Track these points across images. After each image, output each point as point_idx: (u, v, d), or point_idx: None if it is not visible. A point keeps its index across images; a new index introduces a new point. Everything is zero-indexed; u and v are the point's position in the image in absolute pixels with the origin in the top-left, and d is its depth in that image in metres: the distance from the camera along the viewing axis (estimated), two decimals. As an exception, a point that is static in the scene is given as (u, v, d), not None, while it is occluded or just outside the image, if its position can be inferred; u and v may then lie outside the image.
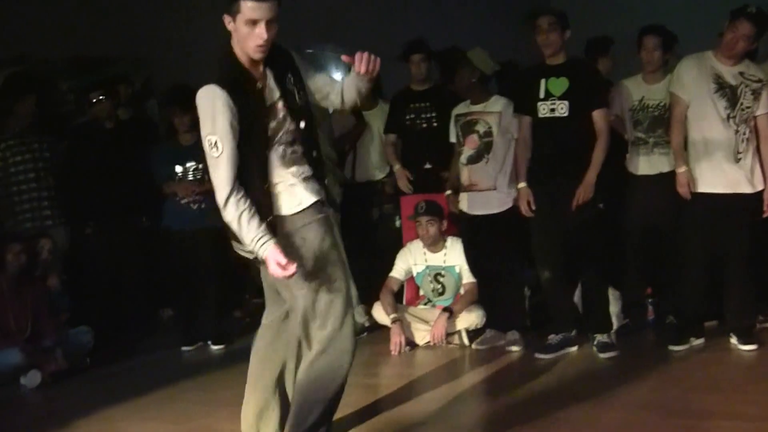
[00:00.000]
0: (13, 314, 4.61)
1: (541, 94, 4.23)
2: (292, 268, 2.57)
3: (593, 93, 4.23)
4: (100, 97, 5.23)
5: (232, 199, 2.62)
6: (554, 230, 4.29)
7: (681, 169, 4.18)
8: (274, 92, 2.71)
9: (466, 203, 4.69)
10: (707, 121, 4.12)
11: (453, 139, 4.77)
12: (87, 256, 5.40)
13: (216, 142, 2.62)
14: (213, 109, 2.61)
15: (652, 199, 4.46)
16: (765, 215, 4.12)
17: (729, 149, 4.10)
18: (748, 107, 4.10)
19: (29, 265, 4.73)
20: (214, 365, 4.74)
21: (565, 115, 4.19)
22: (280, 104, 2.72)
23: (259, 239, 2.61)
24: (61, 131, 5.52)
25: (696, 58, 4.22)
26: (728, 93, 4.10)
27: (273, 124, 2.70)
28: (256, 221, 2.63)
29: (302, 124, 2.73)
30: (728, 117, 4.10)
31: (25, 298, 4.67)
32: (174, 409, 3.83)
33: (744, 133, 4.11)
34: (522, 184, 4.38)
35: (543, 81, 4.24)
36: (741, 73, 4.12)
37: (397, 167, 5.13)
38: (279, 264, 2.57)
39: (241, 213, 2.62)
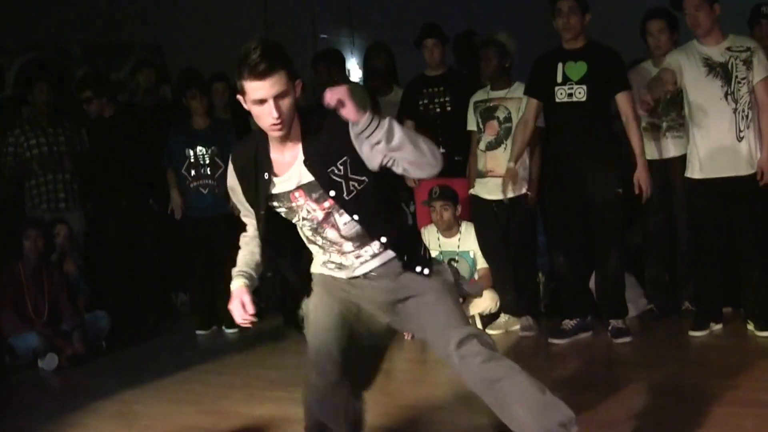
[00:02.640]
0: (30, 299, 4.68)
1: (559, 79, 4.21)
2: (247, 316, 2.47)
3: (614, 77, 4.19)
4: (90, 99, 5.26)
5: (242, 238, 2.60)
6: (572, 215, 4.28)
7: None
8: (296, 178, 2.37)
9: (482, 189, 4.69)
10: (706, 105, 4.09)
11: (472, 126, 4.75)
12: (102, 240, 5.44)
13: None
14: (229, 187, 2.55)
15: (667, 184, 4.44)
16: (762, 183, 4.07)
17: (730, 129, 4.06)
18: (743, 78, 4.06)
19: (46, 250, 4.78)
20: (229, 349, 4.78)
21: (583, 99, 4.17)
22: (297, 193, 2.38)
23: (235, 274, 2.56)
24: (80, 118, 5.56)
25: (681, 49, 4.23)
26: (720, 72, 4.07)
27: (284, 210, 2.44)
28: (244, 258, 2.58)
29: (342, 222, 2.37)
30: (726, 95, 4.07)
31: (42, 283, 4.73)
32: (190, 392, 3.88)
33: (743, 111, 4.07)
34: (510, 164, 4.36)
35: (560, 65, 4.21)
36: (728, 48, 4.09)
37: None
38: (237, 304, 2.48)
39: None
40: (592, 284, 4.54)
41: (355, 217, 2.36)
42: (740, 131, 4.07)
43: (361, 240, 2.42)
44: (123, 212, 5.32)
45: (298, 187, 2.36)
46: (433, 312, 2.43)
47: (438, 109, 4.99)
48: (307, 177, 2.34)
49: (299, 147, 2.35)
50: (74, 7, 5.98)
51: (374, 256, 2.45)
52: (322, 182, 2.33)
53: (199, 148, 5.05)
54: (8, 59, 5.80)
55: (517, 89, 4.59)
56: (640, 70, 4.65)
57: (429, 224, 4.90)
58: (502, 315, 4.68)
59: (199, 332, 5.13)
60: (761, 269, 4.14)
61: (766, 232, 4.16)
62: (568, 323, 4.33)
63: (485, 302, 4.69)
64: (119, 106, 5.43)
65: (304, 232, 2.47)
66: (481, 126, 4.68)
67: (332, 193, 2.33)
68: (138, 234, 5.39)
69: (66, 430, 3.43)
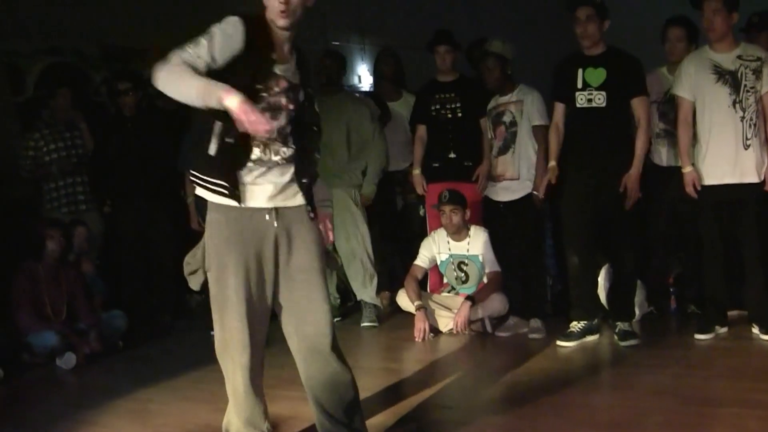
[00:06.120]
0: (49, 298, 4.74)
1: (579, 84, 4.26)
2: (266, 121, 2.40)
3: (632, 82, 4.25)
4: (129, 90, 5.35)
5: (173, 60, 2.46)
6: (586, 218, 4.32)
7: (687, 169, 4.23)
8: (288, 72, 2.57)
9: (491, 191, 4.79)
10: (714, 112, 4.14)
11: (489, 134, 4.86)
12: (119, 240, 5.52)
13: (201, 39, 2.50)
14: (219, 28, 2.50)
15: (676, 190, 4.49)
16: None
17: (737, 136, 4.11)
18: (752, 87, 4.11)
19: (65, 250, 4.86)
20: (243, 349, 4.82)
21: (603, 105, 4.22)
22: (283, 82, 2.57)
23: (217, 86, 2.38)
24: (98, 121, 5.64)
25: (694, 55, 4.29)
26: (729, 79, 4.12)
27: (259, 86, 2.53)
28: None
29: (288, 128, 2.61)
30: (734, 103, 4.12)
31: (60, 282, 4.80)
32: (205, 390, 3.89)
33: (751, 119, 4.12)
34: (552, 163, 4.42)
35: (580, 71, 4.26)
36: (739, 57, 4.13)
37: (416, 172, 5.14)
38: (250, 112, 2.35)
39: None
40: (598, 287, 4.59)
41: (296, 127, 2.63)
42: (747, 139, 4.12)
43: (285, 141, 2.61)
44: (139, 212, 5.39)
45: (288, 81, 2.59)
46: (309, 294, 2.76)
47: (449, 115, 5.07)
48: (296, 78, 2.61)
49: (294, 50, 2.62)
50: (92, 12, 6.06)
51: (285, 161, 2.62)
52: (305, 88, 2.62)
53: None
54: (28, 63, 5.89)
55: (519, 92, 4.70)
56: (655, 75, 4.70)
57: (439, 228, 4.97)
58: (510, 317, 4.73)
59: (213, 332, 5.18)
60: (765, 273, 4.18)
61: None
62: (576, 326, 4.37)
63: (495, 305, 4.74)
64: (140, 106, 5.52)
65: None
66: (492, 133, 4.77)
67: (303, 100, 2.61)
68: (154, 234, 5.46)
69: (82, 427, 3.46)
